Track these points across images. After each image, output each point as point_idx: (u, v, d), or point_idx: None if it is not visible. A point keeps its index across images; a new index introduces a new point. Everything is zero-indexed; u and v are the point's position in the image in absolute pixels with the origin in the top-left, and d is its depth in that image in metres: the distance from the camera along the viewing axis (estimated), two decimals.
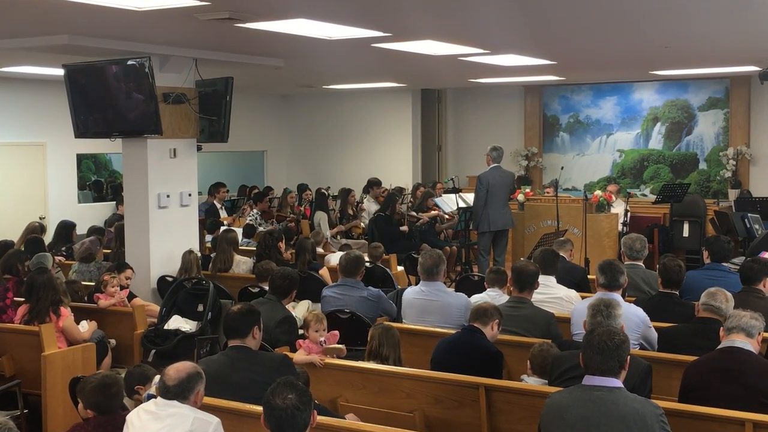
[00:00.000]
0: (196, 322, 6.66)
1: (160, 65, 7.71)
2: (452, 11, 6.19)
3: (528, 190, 11.62)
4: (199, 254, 8.06)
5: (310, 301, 6.93)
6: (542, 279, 5.80)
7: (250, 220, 11.19)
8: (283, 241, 8.47)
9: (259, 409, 3.26)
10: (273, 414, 3.13)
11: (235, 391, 4.14)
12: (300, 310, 6.84)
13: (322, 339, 5.07)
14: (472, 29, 7.11)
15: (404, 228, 10.91)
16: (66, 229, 9.70)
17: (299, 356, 5.01)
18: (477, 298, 5.95)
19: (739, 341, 4.16)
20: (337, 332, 5.20)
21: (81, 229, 10.04)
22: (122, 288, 7.05)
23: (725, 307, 4.74)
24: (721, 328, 4.34)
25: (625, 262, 6.41)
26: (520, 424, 4.38)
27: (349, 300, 6.23)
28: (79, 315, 6.47)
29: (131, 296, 7.17)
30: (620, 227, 10.64)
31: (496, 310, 4.98)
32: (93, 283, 7.46)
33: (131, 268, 7.36)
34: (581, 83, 13.49)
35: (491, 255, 9.81)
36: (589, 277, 7.04)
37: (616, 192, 11.42)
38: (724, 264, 6.35)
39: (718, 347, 4.24)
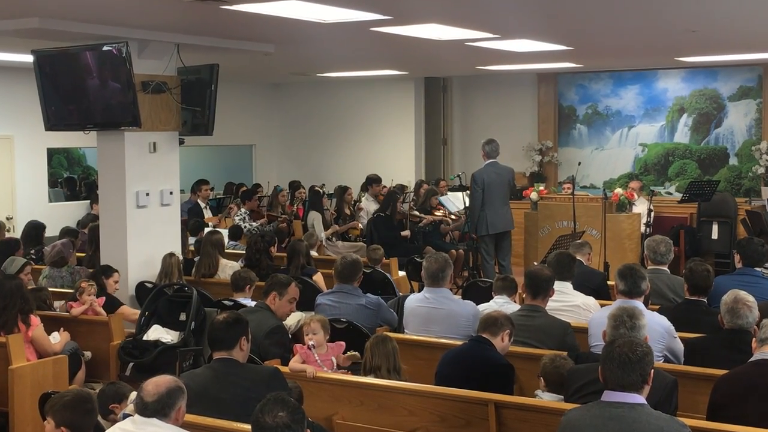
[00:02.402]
0: (177, 333, 6.65)
1: (138, 51, 7.71)
2: None
3: (542, 188, 11.62)
4: (181, 258, 8.06)
5: (302, 312, 6.92)
6: (557, 285, 5.80)
7: (238, 221, 11.19)
8: (275, 244, 8.47)
9: (248, 427, 3.27)
10: None
11: (221, 408, 4.14)
12: (293, 319, 6.84)
13: (311, 342, 5.08)
14: (481, 12, 7.11)
15: (406, 233, 10.89)
16: (35, 230, 9.69)
17: (293, 363, 5.03)
18: (484, 307, 5.95)
19: None
20: (342, 343, 5.19)
21: (52, 231, 10.04)
22: (105, 295, 7.05)
23: (752, 317, 4.74)
24: (753, 339, 4.34)
25: (648, 267, 6.42)
26: None
27: (346, 308, 6.24)
28: (50, 325, 6.47)
29: (117, 303, 7.15)
30: (643, 228, 10.64)
31: (508, 320, 4.98)
32: (63, 290, 7.46)
33: (117, 271, 7.33)
34: (600, 71, 13.48)
35: (495, 259, 9.80)
36: (608, 283, 7.04)
37: (638, 190, 11.42)
38: (757, 269, 6.34)
39: (750, 360, 4.24)
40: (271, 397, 3.23)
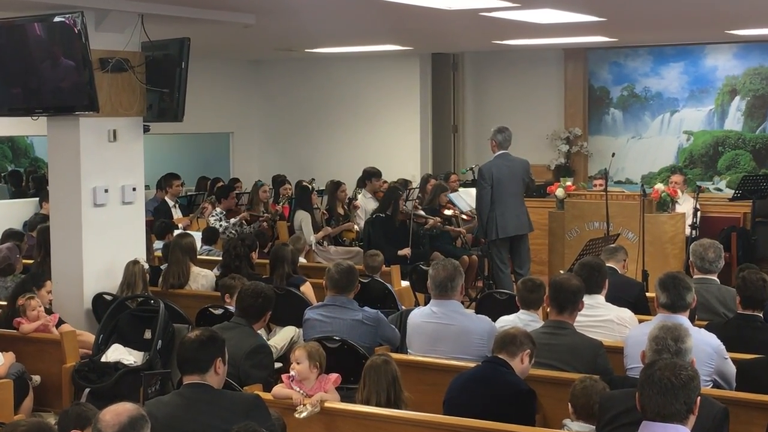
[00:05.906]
0: (141, 353, 6.66)
1: (95, 23, 7.71)
2: None
3: (569, 184, 11.63)
4: (146, 266, 8.05)
5: (296, 328, 6.92)
6: (587, 298, 5.80)
7: (213, 222, 11.18)
8: (257, 249, 8.48)
9: None
10: None
11: None
12: (280, 338, 6.85)
13: (292, 373, 5.07)
14: None
15: (405, 251, 10.44)
16: None
17: (278, 389, 5.02)
18: (505, 322, 5.94)
19: None
20: (336, 376, 5.14)
21: None
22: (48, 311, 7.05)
23: None
24: None
25: (694, 276, 6.42)
26: None
27: (340, 324, 6.24)
28: None
29: (59, 322, 7.16)
30: (688, 231, 10.66)
31: (528, 338, 4.98)
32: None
33: (49, 279, 7.33)
34: (637, 46, 13.49)
35: (511, 268, 9.77)
36: (647, 295, 7.04)
37: (682, 185, 11.42)
38: None
39: None
40: (250, 428, 3.23)
